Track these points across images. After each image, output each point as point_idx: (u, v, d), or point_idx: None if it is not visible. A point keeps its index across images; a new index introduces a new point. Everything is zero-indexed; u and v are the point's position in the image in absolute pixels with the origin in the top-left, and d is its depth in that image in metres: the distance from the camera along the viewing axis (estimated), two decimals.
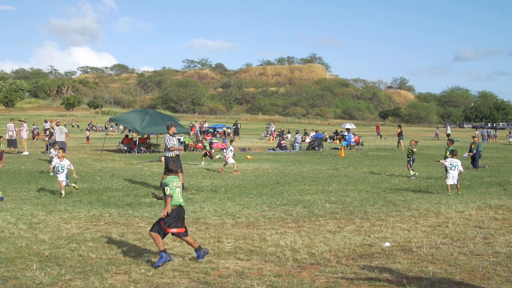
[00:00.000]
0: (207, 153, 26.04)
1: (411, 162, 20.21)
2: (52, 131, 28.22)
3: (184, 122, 55.37)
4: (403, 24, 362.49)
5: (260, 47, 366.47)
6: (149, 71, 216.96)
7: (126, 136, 36.10)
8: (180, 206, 7.83)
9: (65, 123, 26.41)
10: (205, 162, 24.86)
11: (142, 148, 32.54)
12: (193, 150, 34.82)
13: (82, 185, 16.86)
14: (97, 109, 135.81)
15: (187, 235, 7.93)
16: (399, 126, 39.74)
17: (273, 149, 37.80)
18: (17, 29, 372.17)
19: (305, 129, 58.93)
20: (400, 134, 38.09)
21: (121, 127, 62.17)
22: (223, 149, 21.52)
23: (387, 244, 9.07)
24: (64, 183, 14.69)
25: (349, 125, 55.50)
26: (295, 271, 7.50)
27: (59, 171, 14.71)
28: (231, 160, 21.70)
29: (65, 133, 24.56)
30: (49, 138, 35.76)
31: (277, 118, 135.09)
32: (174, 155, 15.86)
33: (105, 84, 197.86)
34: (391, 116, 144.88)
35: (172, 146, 15.78)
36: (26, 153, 30.66)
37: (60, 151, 15.22)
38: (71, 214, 11.64)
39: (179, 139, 33.74)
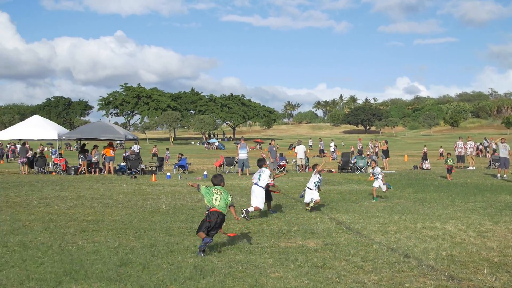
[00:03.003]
0: None
1: None
2: (495, 147, 27.66)
3: None
4: None
5: None
6: None
7: None
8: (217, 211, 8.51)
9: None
10: None
11: None
12: None
13: None
14: None
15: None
16: None
17: None
18: (459, 57, 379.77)
19: None
20: None
21: None
22: None
23: None
24: (383, 187, 16.03)
25: None
26: None
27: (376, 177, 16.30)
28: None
29: (508, 150, 23.69)
30: (491, 155, 35.39)
31: None
32: None
33: None
34: None
35: None
36: (471, 168, 30.89)
37: (373, 163, 18.27)
38: None
39: None
